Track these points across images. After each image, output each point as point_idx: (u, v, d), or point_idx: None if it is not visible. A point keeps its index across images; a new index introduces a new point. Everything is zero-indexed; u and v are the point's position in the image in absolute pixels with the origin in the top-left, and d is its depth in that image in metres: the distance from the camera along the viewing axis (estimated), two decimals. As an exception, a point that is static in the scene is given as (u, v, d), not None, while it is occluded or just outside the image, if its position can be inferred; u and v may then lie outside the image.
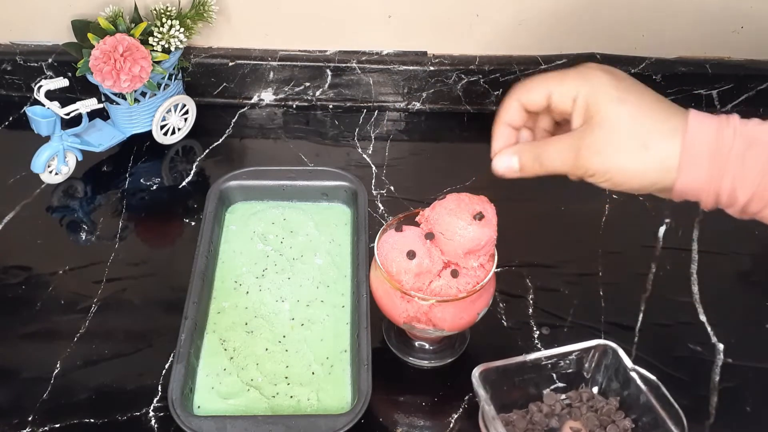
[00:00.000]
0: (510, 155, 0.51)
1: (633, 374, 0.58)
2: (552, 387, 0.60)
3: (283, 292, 0.72)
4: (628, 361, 0.58)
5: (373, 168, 0.88)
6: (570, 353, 0.60)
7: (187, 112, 0.91)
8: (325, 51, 0.95)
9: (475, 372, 0.57)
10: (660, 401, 0.56)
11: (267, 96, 0.97)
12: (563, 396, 0.60)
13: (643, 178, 0.46)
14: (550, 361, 0.59)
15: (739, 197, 0.45)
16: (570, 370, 0.60)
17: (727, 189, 0.45)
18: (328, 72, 0.94)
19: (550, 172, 0.50)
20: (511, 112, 0.52)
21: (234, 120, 0.95)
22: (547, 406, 0.59)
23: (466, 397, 0.64)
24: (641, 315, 0.71)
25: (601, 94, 0.47)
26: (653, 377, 0.57)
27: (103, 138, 0.86)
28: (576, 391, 0.61)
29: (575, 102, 0.48)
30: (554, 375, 0.60)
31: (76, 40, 0.86)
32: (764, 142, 0.44)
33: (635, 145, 0.46)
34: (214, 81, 0.95)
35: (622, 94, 0.46)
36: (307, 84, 0.95)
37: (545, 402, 0.60)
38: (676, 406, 0.55)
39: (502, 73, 0.94)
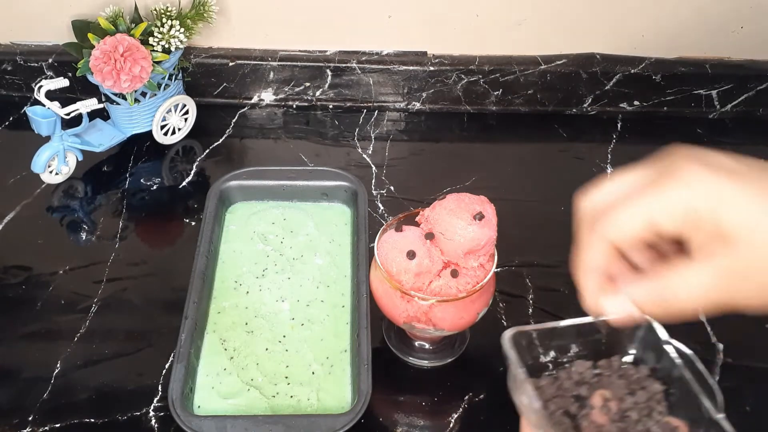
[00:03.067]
0: (622, 301, 0.39)
1: (667, 347, 0.57)
2: (583, 355, 0.59)
3: (283, 292, 0.72)
4: (663, 334, 0.57)
5: (373, 168, 0.88)
6: (604, 323, 0.58)
7: (187, 112, 0.91)
8: (325, 51, 0.95)
9: (506, 334, 0.55)
10: (695, 375, 0.55)
11: (267, 96, 0.97)
12: (592, 364, 0.59)
13: None
14: (582, 329, 0.58)
15: None
16: (603, 340, 0.59)
17: None
18: (328, 72, 0.94)
19: (686, 310, 0.38)
20: (598, 257, 0.39)
21: (234, 120, 0.95)
22: (577, 374, 0.58)
23: (466, 397, 0.64)
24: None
25: (725, 201, 0.34)
26: (689, 351, 0.56)
27: (103, 138, 0.86)
28: (607, 360, 0.60)
29: (687, 221, 0.35)
30: (587, 343, 0.59)
31: (76, 40, 0.86)
32: None
33: None
34: (214, 81, 0.95)
35: (743, 187, 0.34)
36: (307, 84, 0.96)
37: (575, 369, 0.59)
38: (711, 380, 0.54)
39: (502, 73, 0.94)
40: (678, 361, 0.55)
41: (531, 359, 0.56)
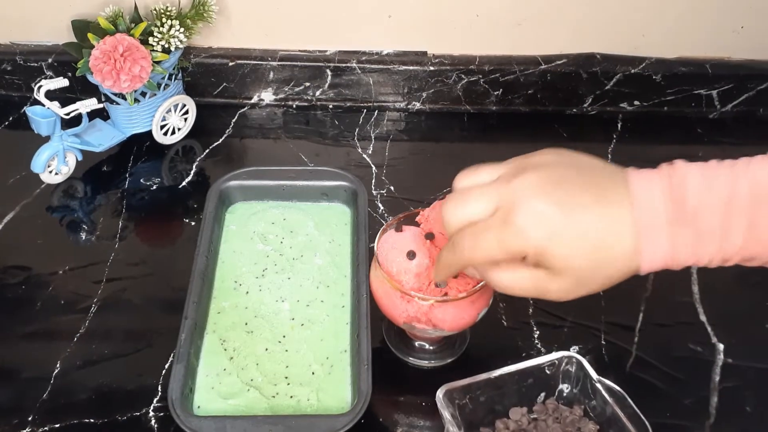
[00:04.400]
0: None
1: (598, 385, 0.58)
2: (518, 402, 0.60)
3: (283, 292, 0.72)
4: (593, 373, 0.58)
5: (373, 168, 0.88)
6: (535, 367, 0.59)
7: (187, 112, 0.91)
8: (325, 51, 0.95)
9: (439, 393, 0.56)
10: (626, 412, 0.56)
11: (267, 96, 0.97)
12: (528, 410, 0.60)
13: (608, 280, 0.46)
14: (515, 377, 0.59)
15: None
16: (536, 384, 0.60)
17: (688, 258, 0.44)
18: (328, 72, 0.94)
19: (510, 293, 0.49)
20: (451, 270, 0.51)
21: (234, 120, 0.95)
22: (514, 422, 0.59)
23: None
24: (641, 315, 0.71)
25: (546, 252, 0.45)
26: (618, 388, 0.56)
27: (103, 138, 0.86)
28: (542, 405, 0.60)
29: (519, 255, 0.46)
30: (521, 389, 0.60)
31: (76, 40, 0.86)
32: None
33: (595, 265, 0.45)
34: (214, 81, 0.95)
35: (564, 233, 0.44)
36: (307, 84, 0.95)
37: (512, 418, 0.59)
38: (643, 417, 0.54)
39: (502, 73, 0.94)
40: (609, 398, 0.56)
41: (468, 413, 0.57)
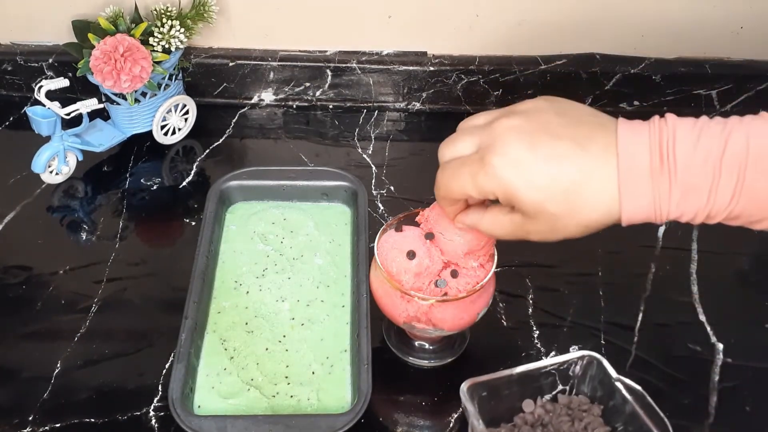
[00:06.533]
0: (469, 220, 0.53)
1: (618, 384, 0.58)
2: (537, 399, 0.60)
3: (283, 291, 0.72)
4: (612, 372, 0.58)
5: (373, 168, 0.88)
6: (555, 365, 0.60)
7: (187, 113, 0.91)
8: (325, 51, 0.95)
9: (464, 387, 0.56)
10: (645, 410, 0.56)
11: (267, 96, 0.97)
12: (543, 405, 0.60)
13: (585, 228, 0.47)
14: (536, 374, 0.59)
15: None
16: (556, 382, 0.61)
17: (675, 204, 0.44)
18: (328, 72, 0.95)
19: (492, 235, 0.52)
20: (446, 204, 0.54)
21: (234, 120, 0.95)
22: (531, 415, 0.59)
23: (466, 397, 0.64)
24: (641, 315, 0.71)
25: (517, 194, 0.46)
26: (638, 387, 0.57)
27: (103, 138, 0.86)
28: (557, 403, 0.61)
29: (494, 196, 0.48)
30: (541, 386, 0.60)
31: (76, 41, 0.86)
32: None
33: (571, 209, 0.46)
34: (214, 81, 0.95)
35: (534, 178, 0.46)
36: (307, 84, 0.96)
37: (525, 411, 0.60)
38: (662, 414, 0.55)
39: (502, 73, 0.94)
40: (629, 397, 0.57)
41: (489, 408, 0.57)
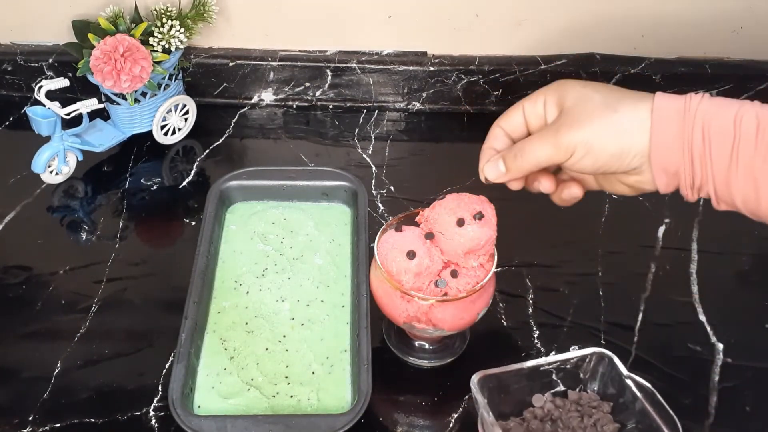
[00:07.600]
0: (495, 160, 0.55)
1: (628, 381, 0.58)
2: (547, 394, 0.60)
3: (283, 291, 0.72)
4: (623, 369, 0.59)
5: (373, 168, 0.88)
6: (567, 360, 0.60)
7: (187, 113, 0.91)
8: (325, 51, 0.95)
9: (474, 378, 0.57)
10: (655, 407, 0.56)
11: (267, 96, 0.97)
12: (552, 400, 0.60)
13: (618, 140, 0.50)
14: (547, 368, 0.60)
15: (713, 155, 0.48)
16: (566, 378, 0.61)
17: (698, 143, 0.49)
18: (328, 72, 0.95)
19: (534, 164, 0.53)
20: (494, 138, 0.57)
21: (234, 120, 0.95)
22: (540, 410, 0.60)
23: (466, 397, 0.64)
24: (641, 315, 0.71)
25: (567, 87, 0.53)
26: (648, 384, 0.57)
27: (103, 138, 0.86)
28: (567, 399, 0.61)
29: (546, 105, 0.54)
30: (550, 382, 0.60)
31: (76, 41, 0.86)
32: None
33: (607, 111, 0.51)
34: (214, 81, 0.95)
35: (587, 84, 0.53)
36: (307, 84, 0.96)
37: (535, 405, 0.60)
38: (671, 412, 0.55)
39: (502, 73, 0.94)
40: (639, 394, 0.57)
41: (499, 401, 0.57)
